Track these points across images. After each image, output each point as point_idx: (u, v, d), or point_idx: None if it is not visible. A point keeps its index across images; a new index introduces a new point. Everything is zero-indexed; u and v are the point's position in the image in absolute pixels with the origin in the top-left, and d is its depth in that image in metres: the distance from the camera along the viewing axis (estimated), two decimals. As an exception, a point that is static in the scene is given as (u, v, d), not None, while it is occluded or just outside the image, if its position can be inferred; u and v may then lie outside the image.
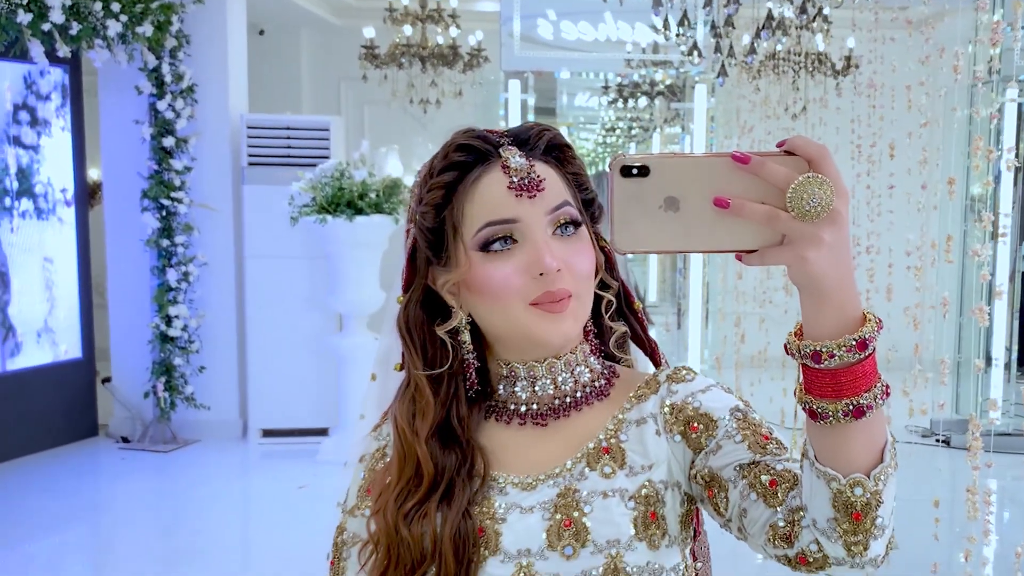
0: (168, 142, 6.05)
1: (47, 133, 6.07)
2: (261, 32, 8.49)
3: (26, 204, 5.99)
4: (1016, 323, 6.73)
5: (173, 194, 6.09)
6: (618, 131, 13.64)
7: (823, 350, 0.82)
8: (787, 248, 0.80)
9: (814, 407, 0.85)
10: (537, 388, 1.09)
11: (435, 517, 1.03)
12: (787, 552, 0.93)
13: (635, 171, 0.82)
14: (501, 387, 1.12)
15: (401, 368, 1.12)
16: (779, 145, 0.83)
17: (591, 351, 1.14)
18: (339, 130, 6.49)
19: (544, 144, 1.07)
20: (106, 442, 6.35)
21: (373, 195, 5.70)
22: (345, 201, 5.64)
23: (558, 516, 1.02)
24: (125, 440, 6.27)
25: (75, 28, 5.22)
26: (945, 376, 1.95)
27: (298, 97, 8.75)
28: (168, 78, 6.01)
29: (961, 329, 6.53)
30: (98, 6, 5.33)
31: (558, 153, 1.08)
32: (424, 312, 1.10)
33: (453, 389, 1.09)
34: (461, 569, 1.01)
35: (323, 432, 6.26)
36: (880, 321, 0.83)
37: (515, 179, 1.02)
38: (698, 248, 0.84)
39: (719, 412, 1.05)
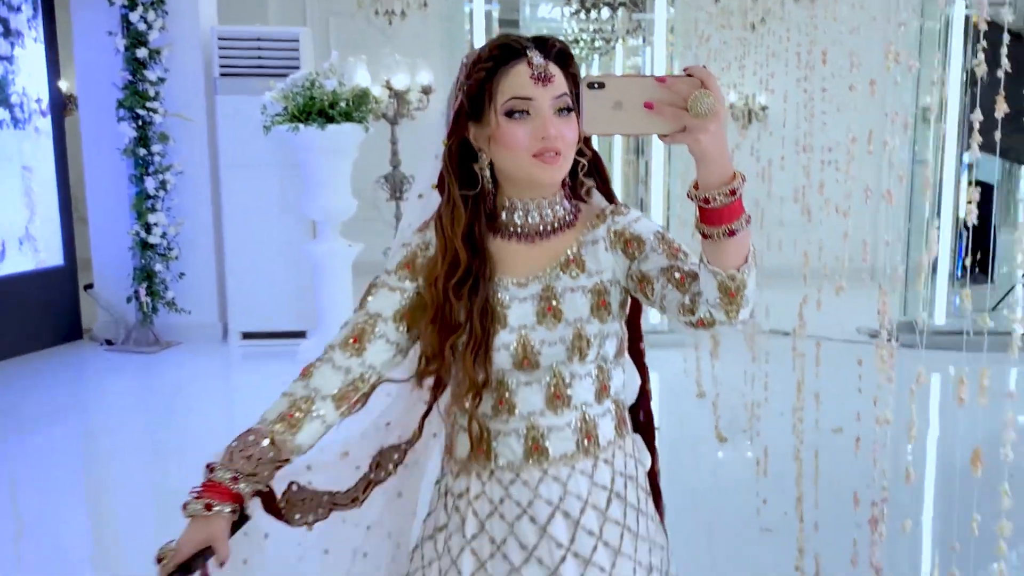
0: (141, 53, 6.19)
1: (20, 44, 6.18)
2: (227, -57, 8.52)
3: (2, 114, 6.12)
4: (961, 229, 7.05)
5: (148, 104, 6.25)
6: (581, 43, 13.71)
7: (710, 196, 1.31)
8: (688, 133, 1.27)
9: (705, 231, 1.34)
10: (530, 217, 1.59)
11: (467, 299, 1.52)
12: (691, 319, 1.45)
13: (596, 86, 1.28)
14: (504, 215, 1.60)
15: (436, 187, 1.62)
16: (684, 71, 1.29)
17: (565, 195, 1.61)
18: (307, 41, 6.63)
19: (556, 51, 1.51)
20: (91, 345, 6.61)
21: (343, 104, 5.88)
22: (316, 110, 5.82)
23: (542, 303, 1.55)
24: (109, 343, 6.53)
25: (47, -60, 5.32)
26: (897, 283, 2.24)
27: (264, 8, 8.81)
28: (139, -11, 6.13)
29: (910, 236, 6.86)
30: (69, -82, 5.42)
31: (564, 58, 1.52)
32: (460, 153, 1.57)
33: (477, 208, 1.57)
34: (483, 335, 1.52)
35: (301, 335, 6.53)
36: (744, 176, 1.33)
37: (536, 71, 1.47)
38: (634, 132, 1.33)
39: (647, 234, 1.55)
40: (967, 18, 6.70)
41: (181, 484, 4.84)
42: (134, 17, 6.12)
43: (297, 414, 1.51)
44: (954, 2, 6.46)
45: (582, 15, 10.06)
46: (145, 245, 6.35)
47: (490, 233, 1.59)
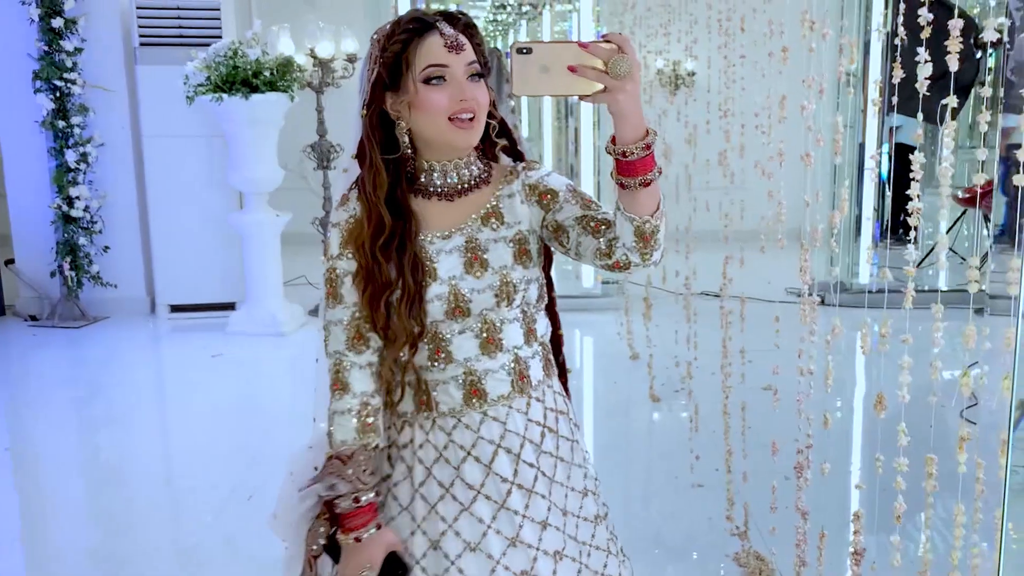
0: (57, 23, 6.04)
1: (-72, 13, 5.98)
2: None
3: (-91, 86, 5.94)
4: (885, 189, 7.24)
5: (66, 75, 6.11)
6: (508, 8, 13.68)
7: (627, 151, 1.46)
8: (607, 94, 1.42)
9: (622, 182, 1.48)
10: (448, 177, 1.70)
11: (395, 257, 1.62)
12: (607, 262, 1.59)
13: (525, 51, 1.41)
14: (424, 176, 1.71)
15: (355, 157, 1.71)
16: (603, 37, 1.42)
17: (478, 156, 1.75)
18: (229, 10, 6.53)
19: (463, 23, 1.64)
20: (15, 320, 6.49)
21: (267, 73, 5.82)
22: (240, 79, 5.75)
23: (469, 254, 1.67)
24: (33, 319, 6.41)
25: (-45, -95, 5.15)
26: (821, 242, 2.33)
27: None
28: (53, -43, 5.96)
29: (834, 199, 7.01)
30: None
31: (471, 30, 1.65)
32: (379, 121, 1.67)
33: (398, 171, 1.68)
34: (416, 288, 1.62)
35: (230, 307, 6.48)
36: (655, 132, 1.48)
37: (448, 40, 1.59)
38: (559, 93, 1.46)
39: (559, 187, 1.69)
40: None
41: (110, 458, 4.80)
42: (48, -15, 5.97)
43: (371, 419, 1.62)
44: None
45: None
46: (68, 219, 6.23)
47: (411, 194, 1.71)
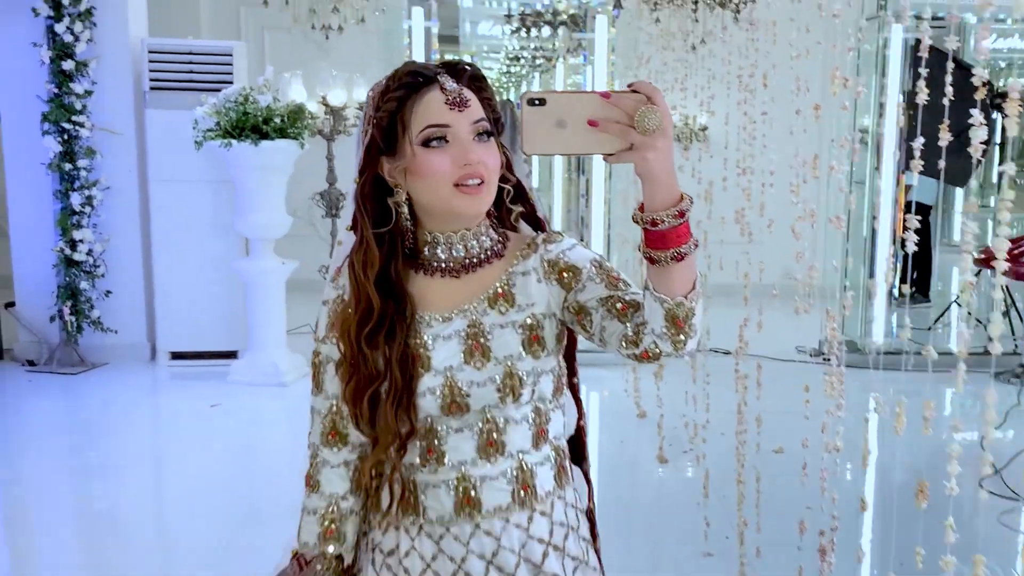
0: (68, 65, 6.00)
1: (-62, 55, 5.95)
2: (159, -46, 8.34)
3: (-83, 126, 5.90)
4: (897, 248, 7.13)
5: (74, 118, 6.06)
6: (522, 60, 13.71)
7: (657, 218, 1.26)
8: (634, 152, 1.23)
9: (652, 256, 1.29)
10: (453, 250, 1.51)
11: (384, 347, 1.44)
12: (635, 351, 1.40)
13: (537, 102, 1.24)
14: (426, 250, 1.52)
15: (350, 229, 1.52)
16: (629, 86, 1.24)
17: (491, 225, 1.55)
18: (241, 55, 6.50)
19: (468, 76, 1.46)
20: (12, 366, 6.37)
21: (278, 120, 5.76)
22: (250, 126, 5.70)
23: (470, 341, 1.47)
24: (31, 363, 6.30)
25: (-31, -54, 5.13)
26: (844, 303, 2.23)
27: (197, 21, 8.64)
28: (66, 0, 5.94)
29: (848, 256, 6.92)
30: (-8, -76, 5.24)
31: (478, 83, 1.47)
32: (372, 191, 1.49)
33: (392, 247, 1.49)
34: (406, 382, 1.44)
35: (232, 355, 6.36)
36: (691, 198, 1.28)
37: (450, 97, 1.41)
38: (577, 151, 1.29)
39: (583, 263, 1.48)
40: (904, 41, 6.78)
41: (105, 508, 4.66)
42: (60, 28, 5.94)
43: (334, 525, 1.53)
44: (891, 25, 6.53)
45: (523, 33, 10.03)
46: (70, 262, 6.14)
47: (411, 270, 1.53)
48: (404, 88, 1.43)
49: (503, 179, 1.50)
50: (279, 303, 6.14)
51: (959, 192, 10.27)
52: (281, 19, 7.83)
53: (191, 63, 6.30)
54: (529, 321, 1.48)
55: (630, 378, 5.67)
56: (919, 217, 2.40)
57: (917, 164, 2.26)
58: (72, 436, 5.26)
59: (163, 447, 5.33)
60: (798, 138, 2.50)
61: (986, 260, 7.20)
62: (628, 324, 1.40)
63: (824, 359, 6.91)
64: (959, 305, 7.86)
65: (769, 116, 3.16)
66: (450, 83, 1.43)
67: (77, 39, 6.02)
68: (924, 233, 8.46)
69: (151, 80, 6.24)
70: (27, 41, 6.01)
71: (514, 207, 1.57)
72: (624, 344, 1.41)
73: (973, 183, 9.83)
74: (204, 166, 6.12)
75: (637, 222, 1.29)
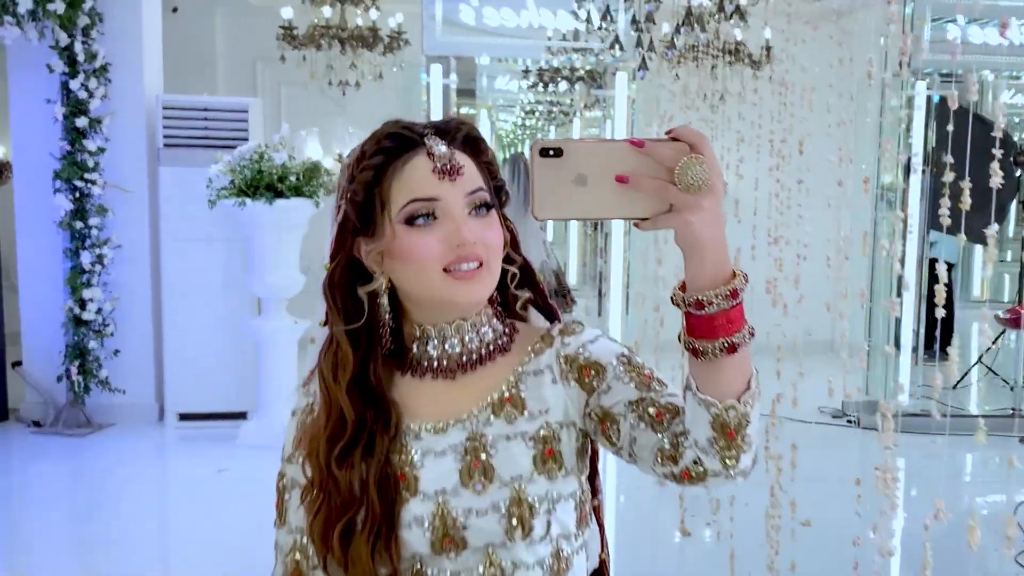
0: (81, 122, 5.93)
1: (-49, 110, 5.89)
2: (175, 10, 8.31)
3: (-72, 184, 5.82)
4: (923, 309, 6.98)
5: (87, 175, 5.97)
6: (538, 114, 13.69)
7: (704, 299, 1.02)
8: (674, 215, 1.00)
9: (696, 347, 1.05)
10: (447, 346, 1.26)
11: (360, 466, 1.18)
12: (673, 469, 1.13)
13: (551, 153, 1.01)
14: (415, 347, 1.27)
15: (324, 325, 1.26)
16: (668, 133, 1.02)
17: (493, 314, 1.30)
18: (257, 112, 6.43)
19: (462, 136, 1.22)
20: (17, 427, 6.23)
21: (293, 178, 5.66)
22: (265, 184, 5.60)
23: (468, 458, 1.20)
24: (37, 424, 6.16)
25: (-17, 4, 5.08)
26: (861, 361, 2.08)
27: (213, 77, 8.63)
28: (81, 56, 5.88)
29: (871, 316, 6.75)
30: (8, -19, 5.19)
31: (474, 145, 1.23)
32: (346, 277, 1.25)
33: (369, 346, 1.24)
34: (386, 511, 1.17)
35: (242, 416, 6.21)
36: (746, 275, 1.05)
37: (438, 164, 1.18)
38: (602, 215, 1.06)
39: (607, 359, 1.23)
40: (928, 99, 6.69)
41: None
42: (75, 85, 5.88)
43: None
44: (915, 83, 6.44)
45: (540, 88, 9.99)
46: (79, 321, 6.02)
47: (397, 372, 1.28)
48: (382, 154, 1.19)
49: (507, 259, 1.27)
50: (291, 363, 6.00)
51: (979, 250, 10.12)
52: (298, 75, 7.78)
53: (206, 119, 6.23)
54: (543, 432, 1.21)
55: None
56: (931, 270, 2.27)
57: (945, 217, 2.15)
58: (76, 502, 5.13)
59: (169, 513, 5.18)
60: (837, 210, 2.37)
61: (1015, 320, 7.03)
62: (664, 435, 1.14)
63: (848, 421, 6.76)
64: (986, 366, 7.70)
65: (805, 184, 3.04)
66: (439, 146, 1.19)
67: (92, 95, 5.95)
68: (947, 290, 8.31)
69: (165, 137, 6.17)
70: (41, 98, 5.94)
71: (520, 293, 1.32)
72: (660, 460, 1.14)
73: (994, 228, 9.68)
74: (217, 224, 6.02)
75: (678, 304, 1.06)
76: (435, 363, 1.26)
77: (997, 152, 1.58)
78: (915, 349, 7.16)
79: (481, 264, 1.18)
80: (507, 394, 1.23)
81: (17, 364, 6.34)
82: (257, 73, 8.87)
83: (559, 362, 1.25)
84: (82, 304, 6.02)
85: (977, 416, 6.54)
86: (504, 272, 1.26)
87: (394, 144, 1.20)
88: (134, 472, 5.57)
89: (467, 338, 1.26)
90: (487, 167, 1.24)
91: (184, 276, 6.22)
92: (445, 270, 1.18)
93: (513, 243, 1.29)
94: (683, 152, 0.99)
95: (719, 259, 1.02)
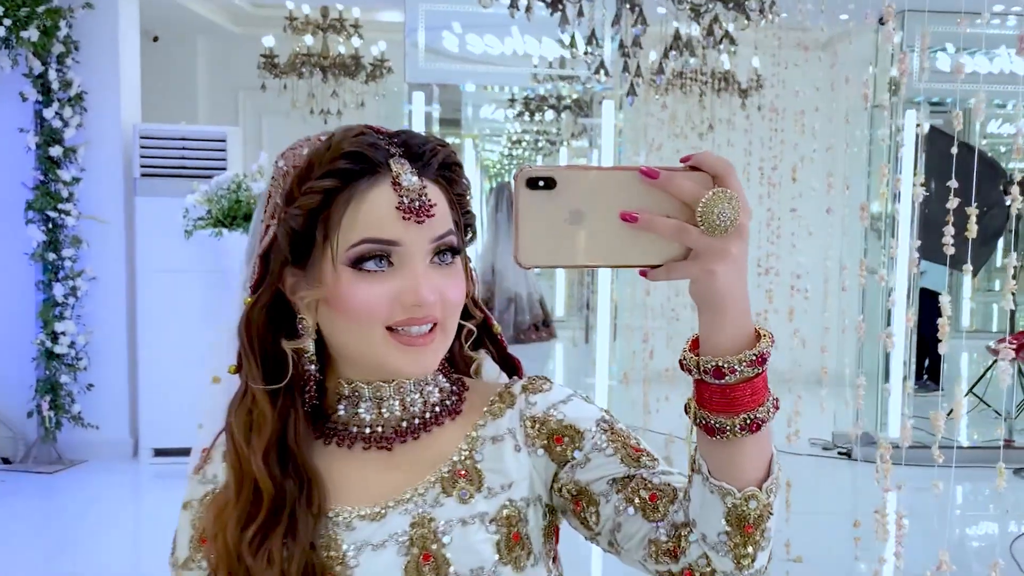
0: (55, 151, 5.79)
1: (-80, 141, 5.74)
2: (155, 39, 8.23)
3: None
4: (914, 338, 6.87)
5: (60, 206, 5.83)
6: (524, 143, 13.64)
7: (724, 365, 0.84)
8: (693, 262, 0.82)
9: (711, 422, 0.86)
10: (384, 410, 1.04)
11: (280, 555, 0.96)
12: (671, 567, 0.94)
13: (541, 183, 0.82)
14: (342, 408, 1.05)
15: (236, 371, 1.06)
16: (684, 160, 0.84)
17: (442, 370, 1.10)
18: (236, 141, 6.31)
19: (438, 163, 1.00)
20: (-14, 464, 6.05)
21: (272, 208, 5.54)
22: (243, 214, 5.47)
23: (415, 550, 0.97)
24: (6, 461, 5.97)
25: (-46, 30, 4.95)
26: (860, 394, 1.98)
27: (194, 106, 8.52)
28: (55, 85, 5.76)
29: (863, 346, 6.64)
30: (-21, 8, 5.08)
31: (449, 172, 1.02)
32: (268, 318, 1.03)
33: (291, 402, 1.03)
34: None
35: (218, 452, 6.05)
36: (771, 335, 0.87)
37: (405, 200, 0.96)
38: (603, 263, 0.84)
39: (584, 423, 1.03)
40: (917, 128, 6.62)
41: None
42: (49, 113, 5.75)
43: None
44: (904, 113, 6.37)
45: (526, 117, 9.93)
46: (51, 355, 5.86)
47: (320, 439, 1.05)
48: (336, 177, 0.96)
49: (465, 312, 1.07)
50: (269, 398, 5.85)
51: (967, 279, 10.05)
52: (279, 104, 7.69)
53: (184, 148, 6.10)
54: (506, 511, 1.00)
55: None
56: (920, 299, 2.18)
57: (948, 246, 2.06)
58: (47, 540, 4.94)
59: (144, 551, 5.00)
60: (811, 239, 2.25)
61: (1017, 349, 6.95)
62: (660, 524, 0.94)
63: (840, 453, 6.64)
64: (977, 396, 7.60)
65: (798, 213, 2.92)
66: (408, 176, 0.96)
67: (66, 124, 5.82)
68: (933, 319, 8.22)
69: (142, 167, 6.03)
70: (14, 126, 5.81)
71: (475, 354, 1.13)
72: (654, 555, 0.95)
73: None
74: (195, 256, 5.87)
75: (689, 369, 0.87)
76: (367, 430, 1.04)
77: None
78: (904, 379, 7.07)
79: (435, 326, 0.98)
80: (460, 467, 1.01)
81: (-13, 399, 6.17)
82: (239, 101, 8.77)
83: (523, 425, 1.04)
84: (55, 338, 5.86)
85: (971, 447, 6.44)
86: (459, 329, 1.06)
87: (352, 166, 0.96)
88: (107, 509, 5.41)
89: (408, 399, 1.04)
90: (459, 198, 1.04)
91: (160, 308, 6.07)
92: (390, 328, 0.97)
93: (475, 293, 1.11)
94: (706, 185, 0.81)
95: (742, 316, 0.84)
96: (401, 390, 1.04)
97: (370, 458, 1.03)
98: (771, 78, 4.35)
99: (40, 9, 5.51)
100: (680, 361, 0.88)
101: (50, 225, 5.83)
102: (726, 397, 0.85)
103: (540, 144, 13.14)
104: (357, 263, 0.96)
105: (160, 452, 6.13)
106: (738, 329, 0.84)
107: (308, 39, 7.50)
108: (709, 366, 0.84)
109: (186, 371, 6.10)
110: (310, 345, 1.02)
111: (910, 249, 6.53)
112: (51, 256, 5.84)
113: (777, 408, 0.86)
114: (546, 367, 8.31)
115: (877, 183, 6.14)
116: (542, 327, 10.88)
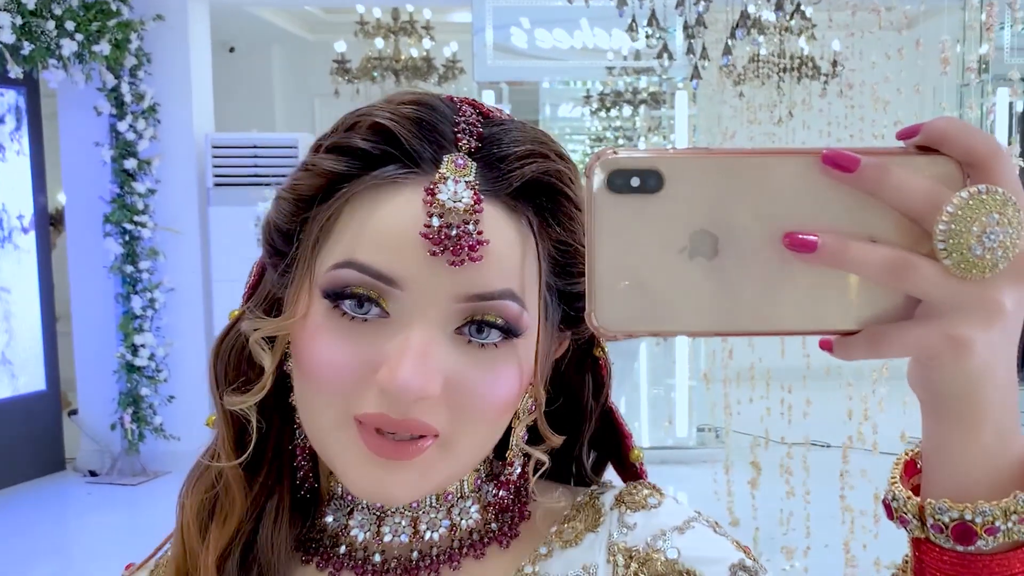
0: (130, 164, 5.84)
1: (1, 158, 5.84)
2: (231, 50, 8.30)
3: (-23, 233, 5.78)
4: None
5: (136, 218, 5.88)
6: (606, 141, 13.46)
7: (978, 519, 0.47)
8: (926, 325, 0.46)
9: None
10: (385, 529, 0.69)
11: None
12: None
13: (635, 181, 0.46)
14: (330, 515, 0.72)
15: (210, 425, 0.75)
16: (904, 136, 0.48)
17: (486, 472, 0.73)
18: (306, 146, 6.28)
19: (524, 179, 0.63)
20: (73, 476, 6.13)
21: (343, 213, 5.50)
22: (314, 220, 5.44)
23: None
24: (93, 473, 6.05)
25: (27, 48, 5.01)
26: None
27: (271, 115, 8.57)
28: (128, 98, 5.81)
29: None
30: (51, 25, 5.13)
31: (546, 202, 0.65)
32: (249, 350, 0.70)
33: (274, 483, 0.71)
34: None
35: (298, 460, 6.04)
36: None
37: (436, 221, 0.60)
38: (749, 329, 0.48)
39: (713, 570, 0.67)
40: (1010, 105, 6.30)
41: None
42: (123, 126, 5.80)
43: None
44: (995, 91, 6.06)
45: (602, 113, 9.77)
46: (131, 368, 5.91)
47: (298, 553, 0.72)
48: (346, 156, 0.64)
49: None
50: (346, 405, 5.82)
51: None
52: (353, 109, 7.66)
53: (256, 156, 6.11)
54: None
55: (720, 478, 5.16)
56: None
57: None
58: (131, 553, 4.89)
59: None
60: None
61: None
62: None
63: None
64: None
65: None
66: (453, 185, 0.61)
67: (140, 136, 5.87)
68: None
69: (215, 176, 6.06)
70: (90, 140, 5.88)
71: (535, 450, 0.70)
72: None
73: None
74: (268, 263, 5.87)
75: (902, 517, 0.51)
76: (359, 555, 0.70)
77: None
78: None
79: (435, 437, 0.63)
80: None
81: (73, 412, 6.27)
82: (315, 109, 8.80)
83: (613, 561, 0.68)
84: (134, 350, 5.91)
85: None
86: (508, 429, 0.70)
87: (374, 146, 0.63)
88: (188, 521, 5.41)
89: (425, 521, 0.70)
90: (561, 252, 0.66)
91: (237, 318, 6.08)
92: (358, 420, 0.63)
93: (599, 393, 0.74)
94: (951, 180, 0.46)
95: (1007, 424, 0.48)
96: (414, 505, 0.69)
97: None
98: (847, 50, 4.15)
99: (111, 23, 5.55)
100: (885, 502, 0.52)
101: (127, 237, 5.89)
102: (978, 573, 0.48)
103: (620, 142, 12.95)
104: (335, 295, 0.63)
105: (241, 461, 6.14)
106: (1004, 450, 0.47)
107: (379, 42, 7.46)
108: (947, 519, 0.48)
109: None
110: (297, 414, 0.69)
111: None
112: (129, 268, 5.89)
113: None
114: (631, 365, 8.12)
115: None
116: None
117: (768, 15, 4.40)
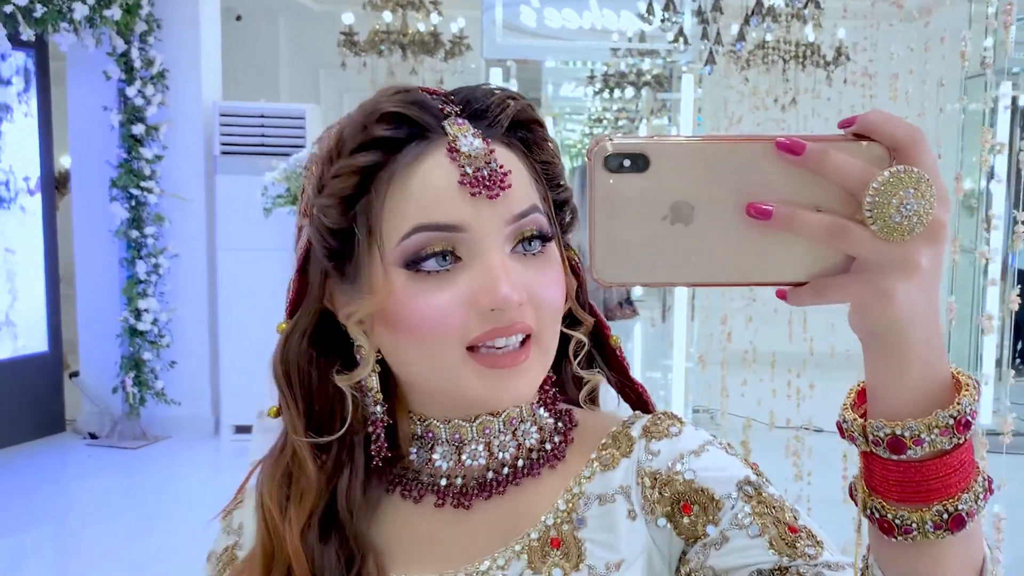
0: (138, 129, 5.86)
1: (8, 119, 5.86)
2: (238, 18, 8.29)
3: (-15, 193, 5.80)
4: (1008, 321, 6.61)
5: (143, 183, 5.90)
6: (605, 121, 13.48)
7: (906, 433, 0.57)
8: (859, 278, 0.56)
9: (888, 516, 0.59)
10: (464, 457, 0.81)
11: None
12: None
13: (627, 163, 0.58)
14: (414, 451, 0.82)
15: (276, 415, 0.84)
16: (844, 125, 0.59)
17: (544, 400, 0.85)
18: (316, 118, 6.31)
19: (509, 119, 0.77)
20: (73, 438, 6.17)
21: (349, 186, 5.53)
22: (320, 192, 5.47)
23: None
24: (93, 436, 6.09)
25: (39, 10, 5.02)
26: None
27: (275, 84, 8.57)
28: (138, 63, 5.82)
29: (951, 329, 6.40)
30: (64, -12, 5.13)
31: (526, 133, 0.79)
32: (314, 349, 0.81)
33: (347, 459, 0.81)
34: None
35: (298, 429, 6.08)
36: (978, 385, 0.60)
37: (468, 168, 0.73)
38: (720, 280, 0.60)
39: (723, 487, 0.76)
40: (1013, 100, 6.34)
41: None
42: (131, 92, 5.81)
43: None
44: (998, 85, 6.09)
45: (605, 94, 9.79)
46: (134, 332, 5.95)
47: (384, 486, 0.83)
48: (373, 150, 0.74)
49: (569, 319, 0.84)
50: (347, 376, 5.86)
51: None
52: (359, 82, 7.67)
53: (263, 126, 6.12)
54: None
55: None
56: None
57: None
58: (131, 515, 5.02)
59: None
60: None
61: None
62: None
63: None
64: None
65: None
66: (469, 138, 0.74)
67: (148, 102, 5.88)
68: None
69: (222, 144, 6.07)
70: (98, 105, 5.89)
71: (586, 372, 0.87)
72: None
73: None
74: (273, 233, 5.87)
75: (852, 436, 0.62)
76: (442, 481, 0.81)
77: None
78: (998, 362, 6.80)
79: (528, 338, 0.75)
80: (554, 533, 0.77)
81: (75, 374, 6.30)
82: (320, 80, 8.80)
83: (641, 483, 0.79)
84: (138, 314, 5.94)
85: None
86: (564, 339, 0.82)
87: (394, 132, 0.74)
88: (189, 487, 5.46)
89: (496, 443, 0.81)
90: (545, 169, 0.81)
91: (240, 286, 6.11)
92: (471, 348, 0.74)
93: (580, 291, 0.86)
94: (879, 162, 0.57)
95: (932, 357, 0.58)
96: (487, 432, 0.80)
97: (444, 516, 0.80)
98: (863, 41, 4.18)
99: (122, -12, 5.56)
100: (838, 424, 0.62)
101: (133, 203, 5.91)
102: (910, 480, 0.58)
103: (621, 123, 12.98)
104: (412, 263, 0.73)
105: (241, 429, 6.18)
106: (926, 378, 0.58)
107: (387, 16, 7.46)
108: (882, 434, 0.58)
109: (266, 349, 6.09)
110: (372, 379, 0.79)
111: (1006, 226, 6.28)
112: (134, 233, 5.92)
113: (991, 493, 0.60)
114: (627, 346, 8.18)
115: (969, 157, 5.91)
116: (626, 304, 10.76)
117: (780, 2, 4.44)
